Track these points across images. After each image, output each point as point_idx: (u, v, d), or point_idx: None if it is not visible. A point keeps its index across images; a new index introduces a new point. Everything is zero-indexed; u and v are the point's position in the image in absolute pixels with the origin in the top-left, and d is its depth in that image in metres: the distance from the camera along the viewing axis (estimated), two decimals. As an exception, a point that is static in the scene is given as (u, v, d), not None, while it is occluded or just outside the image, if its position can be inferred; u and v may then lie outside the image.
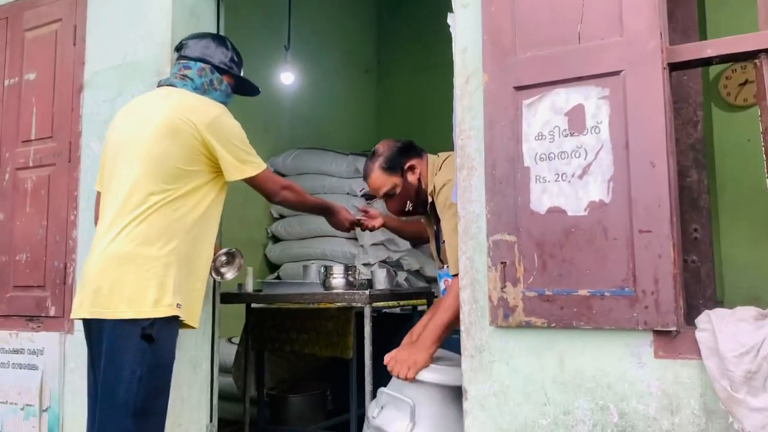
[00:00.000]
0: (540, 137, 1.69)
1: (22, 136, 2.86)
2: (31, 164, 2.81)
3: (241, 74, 2.25)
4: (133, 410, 1.80)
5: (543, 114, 1.69)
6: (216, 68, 2.14)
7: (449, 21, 1.93)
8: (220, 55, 2.16)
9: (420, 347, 1.99)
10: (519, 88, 1.73)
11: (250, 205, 4.43)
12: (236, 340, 3.67)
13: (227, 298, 2.95)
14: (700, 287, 1.82)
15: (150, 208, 1.91)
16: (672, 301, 1.50)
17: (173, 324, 1.91)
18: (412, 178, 2.24)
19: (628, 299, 1.54)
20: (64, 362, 2.60)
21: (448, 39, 1.93)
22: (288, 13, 4.56)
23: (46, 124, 2.79)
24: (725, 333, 1.45)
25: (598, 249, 1.59)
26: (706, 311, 1.53)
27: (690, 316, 1.60)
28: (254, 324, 3.33)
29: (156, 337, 1.84)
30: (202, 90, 2.09)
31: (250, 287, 3.12)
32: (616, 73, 1.61)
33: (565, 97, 1.67)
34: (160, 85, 2.17)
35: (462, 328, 1.80)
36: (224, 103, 2.13)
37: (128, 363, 1.81)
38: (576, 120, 1.65)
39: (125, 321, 1.82)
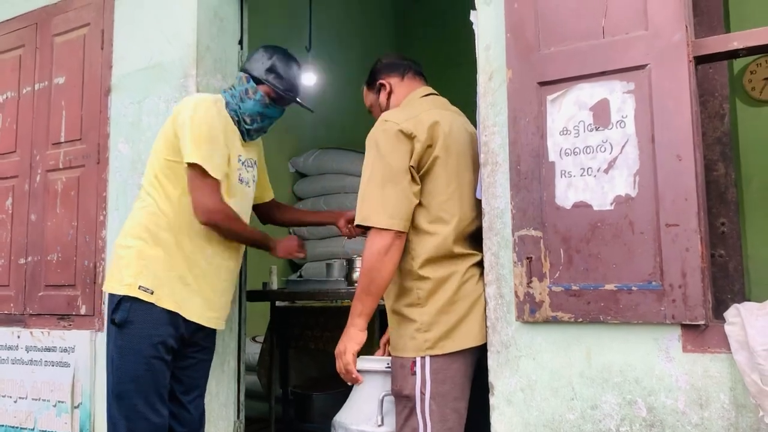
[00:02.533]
0: (565, 132, 1.69)
1: (52, 139, 2.92)
2: (61, 166, 2.87)
3: (281, 86, 2.17)
4: (111, 392, 2.00)
5: (567, 109, 1.70)
6: (252, 78, 2.17)
7: (472, 18, 1.94)
8: (258, 65, 2.18)
9: (345, 333, 1.80)
10: (543, 84, 1.74)
11: (272, 205, 4.46)
12: (260, 338, 3.71)
13: (252, 296, 2.99)
14: (728, 281, 1.81)
15: (140, 202, 2.13)
16: (700, 295, 1.50)
17: (147, 309, 2.00)
18: (382, 97, 2.02)
19: (655, 293, 1.54)
20: (95, 360, 2.66)
21: (467, 37, 1.94)
22: (309, 15, 4.60)
23: (76, 127, 2.85)
24: (755, 327, 1.44)
25: (625, 243, 1.59)
26: (735, 305, 1.52)
27: (718, 311, 1.59)
28: (279, 322, 3.36)
29: (124, 320, 1.99)
30: (239, 98, 2.17)
31: (274, 285, 3.15)
32: (642, 67, 1.61)
33: (589, 92, 1.67)
34: None
35: (488, 324, 1.81)
36: (262, 113, 2.18)
37: (108, 347, 2.05)
38: (601, 114, 1.65)
39: (108, 306, 2.06)
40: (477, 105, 1.91)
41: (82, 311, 2.72)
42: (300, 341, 3.30)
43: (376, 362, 1.93)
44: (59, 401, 2.72)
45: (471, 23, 1.95)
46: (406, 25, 6.34)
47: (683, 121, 1.55)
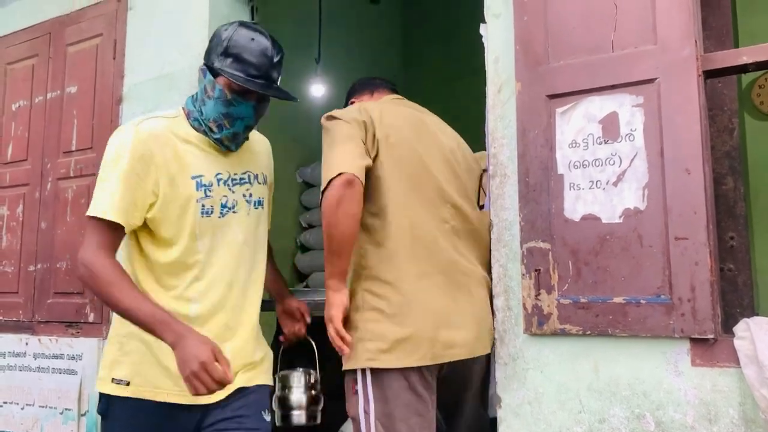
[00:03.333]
0: (574, 145, 1.70)
1: (64, 147, 2.95)
2: (71, 174, 2.89)
3: (242, 73, 1.62)
4: None
5: (576, 122, 1.70)
6: (210, 69, 1.65)
7: (482, 31, 1.96)
8: (214, 52, 1.66)
9: (326, 301, 1.69)
10: (552, 97, 1.74)
11: (278, 215, 4.47)
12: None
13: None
14: (737, 295, 1.80)
15: None
16: (709, 309, 1.49)
17: (125, 402, 1.63)
18: None
19: (664, 307, 1.54)
20: (102, 367, 2.66)
21: (474, 50, 1.95)
22: (318, 27, 4.63)
23: (87, 136, 2.88)
24: (764, 341, 1.43)
25: (634, 256, 1.59)
26: (744, 319, 1.52)
27: (727, 324, 1.59)
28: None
29: (105, 415, 1.69)
30: (200, 100, 1.67)
31: (281, 295, 3.15)
32: (651, 80, 1.61)
33: (599, 105, 1.68)
34: None
35: (496, 336, 1.81)
36: (228, 114, 1.64)
37: None
38: (610, 127, 1.66)
39: None
40: (486, 117, 1.92)
41: (90, 319, 2.73)
42: (306, 350, 3.29)
43: None
44: (66, 409, 2.73)
45: (480, 36, 1.96)
46: (415, 37, 6.37)
47: (692, 134, 1.55)
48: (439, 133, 1.90)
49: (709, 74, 1.63)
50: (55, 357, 2.80)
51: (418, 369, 1.67)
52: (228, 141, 1.70)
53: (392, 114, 1.82)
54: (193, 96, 1.72)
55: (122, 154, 1.59)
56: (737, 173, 1.82)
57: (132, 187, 1.57)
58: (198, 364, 1.42)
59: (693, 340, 1.53)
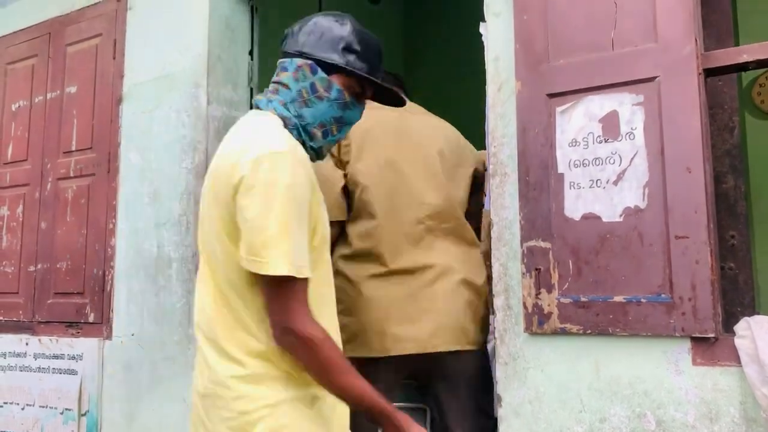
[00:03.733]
0: (574, 143, 1.70)
1: (64, 147, 2.95)
2: (71, 174, 2.89)
3: (373, 75, 1.45)
4: None
5: (577, 120, 1.70)
6: (321, 65, 1.41)
7: (481, 30, 1.95)
8: (326, 43, 1.41)
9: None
10: (552, 95, 1.74)
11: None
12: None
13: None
14: (738, 294, 1.80)
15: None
16: (710, 308, 1.49)
17: None
18: None
19: (664, 306, 1.53)
20: (102, 368, 2.66)
21: (474, 50, 1.95)
22: (318, 26, 4.63)
23: (87, 136, 2.88)
24: (765, 340, 1.43)
25: (634, 255, 1.58)
26: (745, 318, 1.52)
27: (728, 323, 1.58)
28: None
29: None
30: (301, 102, 1.40)
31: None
32: (651, 79, 1.61)
33: (599, 104, 1.68)
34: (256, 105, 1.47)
35: (496, 335, 1.81)
36: (341, 119, 1.43)
37: None
38: (610, 126, 1.66)
39: None
40: (486, 116, 1.92)
41: (91, 319, 2.73)
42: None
43: None
44: (66, 409, 2.73)
45: (480, 35, 1.96)
46: (415, 38, 6.37)
47: (693, 133, 1.55)
48: (418, 135, 1.96)
49: (710, 72, 1.63)
50: (56, 357, 2.80)
51: (373, 360, 1.78)
52: (327, 150, 1.50)
53: (371, 119, 1.85)
54: (278, 99, 1.41)
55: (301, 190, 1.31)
56: (738, 172, 1.81)
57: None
58: None
59: (694, 339, 1.53)
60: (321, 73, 1.39)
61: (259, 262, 1.24)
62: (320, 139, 1.43)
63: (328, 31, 1.42)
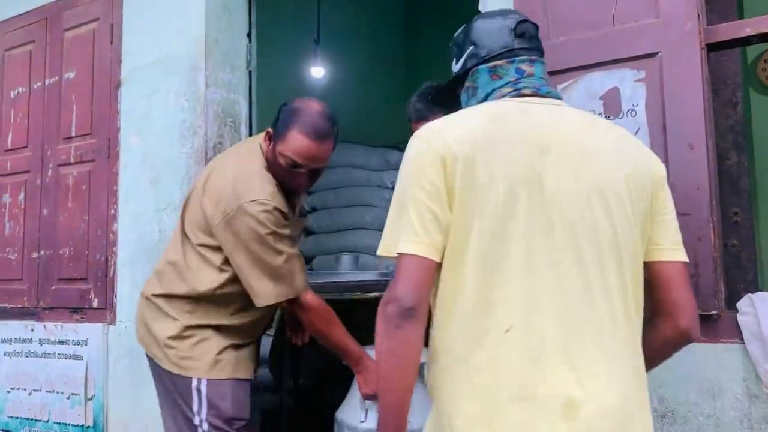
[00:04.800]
0: (575, 122, 1.68)
1: (63, 134, 2.94)
2: (72, 161, 2.89)
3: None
4: None
5: (578, 98, 1.68)
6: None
7: (481, 7, 1.93)
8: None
9: None
10: (553, 73, 1.71)
11: (282, 199, 4.48)
12: (271, 332, 3.72)
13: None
14: (741, 271, 1.79)
15: None
16: (712, 285, 1.48)
17: None
18: None
19: (667, 283, 1.52)
20: (107, 353, 2.67)
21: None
22: (317, 8, 4.59)
23: (86, 122, 2.87)
24: (768, 316, 1.43)
25: (636, 233, 1.57)
26: (748, 295, 1.51)
27: (731, 301, 1.58)
28: (290, 314, 3.37)
29: None
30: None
31: (284, 278, 3.16)
32: (653, 55, 1.59)
33: (600, 81, 1.66)
34: (521, 91, 1.20)
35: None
36: None
37: None
38: (611, 103, 1.64)
39: None
40: (486, 95, 1.90)
41: (95, 304, 2.74)
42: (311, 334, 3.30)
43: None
44: (73, 393, 2.75)
45: (479, 12, 1.93)
46: (416, 17, 6.31)
47: (695, 109, 1.53)
48: None
49: (712, 47, 1.60)
50: (61, 343, 2.81)
51: None
52: None
53: None
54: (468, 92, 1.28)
55: None
56: (741, 148, 1.80)
57: None
58: None
59: (696, 317, 1.52)
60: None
61: None
62: None
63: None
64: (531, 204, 1.08)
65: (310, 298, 1.78)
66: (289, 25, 4.62)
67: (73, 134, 2.90)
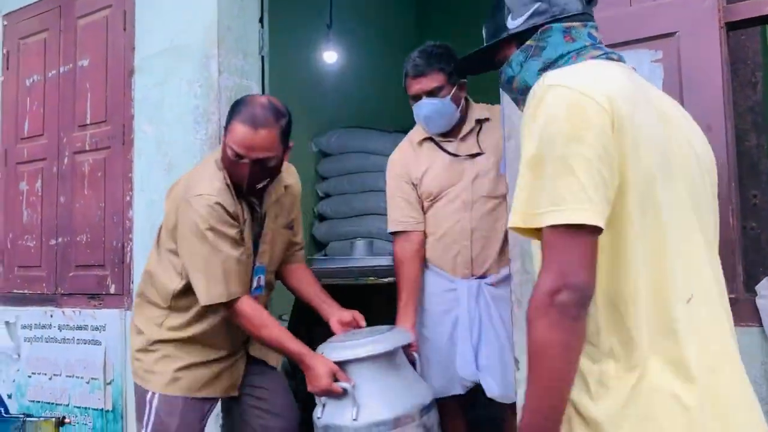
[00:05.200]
0: (590, 104, 1.66)
1: (78, 121, 2.96)
2: (87, 148, 2.91)
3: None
4: None
5: (593, 80, 1.66)
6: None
7: (494, -11, 1.90)
8: None
9: None
10: (568, 55, 1.69)
11: (296, 185, 4.48)
12: (286, 317, 3.75)
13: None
14: (760, 255, 1.76)
15: None
16: (731, 268, 1.46)
17: None
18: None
19: (684, 267, 1.51)
20: (125, 338, 2.70)
21: (486, 7, 1.90)
22: (329, -9, 4.55)
23: (101, 109, 2.88)
24: (788, 299, 1.41)
25: (653, 216, 1.55)
26: (767, 278, 1.49)
27: (749, 284, 1.56)
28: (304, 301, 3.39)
29: None
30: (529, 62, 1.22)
31: (299, 264, 3.17)
32: (671, 34, 1.56)
33: (616, 62, 1.63)
34: (609, 56, 1.13)
35: (513, 298, 1.80)
36: None
37: None
38: (628, 85, 1.61)
39: None
40: (500, 76, 1.87)
41: (112, 290, 2.77)
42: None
43: (350, 349, 1.76)
44: (92, 378, 2.79)
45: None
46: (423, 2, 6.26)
47: (713, 89, 1.51)
48: None
49: (732, 26, 1.57)
50: (79, 328, 2.85)
51: None
52: None
53: None
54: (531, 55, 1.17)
55: None
56: (761, 129, 1.76)
57: None
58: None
59: (714, 300, 1.50)
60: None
61: None
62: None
63: None
64: (677, 171, 1.00)
65: (244, 306, 1.76)
66: (301, 10, 4.60)
67: (88, 122, 2.92)
